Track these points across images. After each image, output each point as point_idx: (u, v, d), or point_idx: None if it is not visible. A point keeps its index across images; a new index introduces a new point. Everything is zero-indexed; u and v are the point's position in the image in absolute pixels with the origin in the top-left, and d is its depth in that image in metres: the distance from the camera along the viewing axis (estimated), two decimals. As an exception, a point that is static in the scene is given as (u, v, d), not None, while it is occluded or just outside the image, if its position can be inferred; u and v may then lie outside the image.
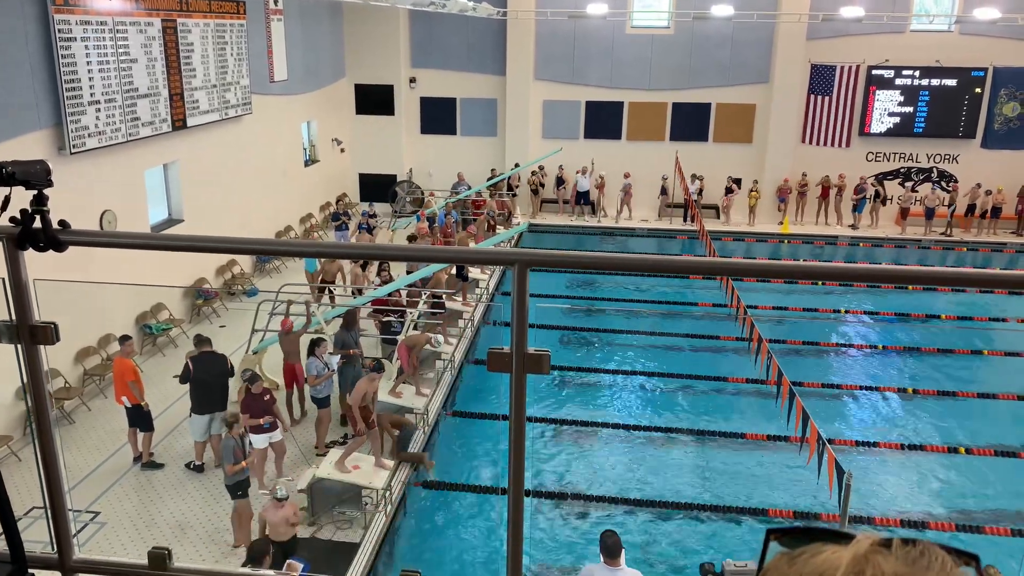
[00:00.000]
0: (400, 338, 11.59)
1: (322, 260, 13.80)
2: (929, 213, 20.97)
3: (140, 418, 9.71)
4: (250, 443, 8.67)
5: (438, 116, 23.04)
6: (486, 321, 14.87)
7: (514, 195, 22.07)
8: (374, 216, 16.69)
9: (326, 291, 14.12)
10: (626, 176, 21.73)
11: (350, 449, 9.04)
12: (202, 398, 9.45)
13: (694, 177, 21.46)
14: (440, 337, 12.06)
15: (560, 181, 22.44)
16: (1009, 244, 20.74)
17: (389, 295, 12.36)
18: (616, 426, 11.51)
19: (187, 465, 9.77)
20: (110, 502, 9.09)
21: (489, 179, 21.67)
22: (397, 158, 23.13)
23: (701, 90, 21.97)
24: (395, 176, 23.04)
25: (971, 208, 21.21)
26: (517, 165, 22.07)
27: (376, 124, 22.93)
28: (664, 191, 21.83)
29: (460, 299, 14.65)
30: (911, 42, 21.10)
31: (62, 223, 1.64)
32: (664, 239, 21.26)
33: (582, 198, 22.25)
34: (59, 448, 1.78)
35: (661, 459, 10.76)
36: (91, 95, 11.42)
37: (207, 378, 9.44)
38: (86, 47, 11.28)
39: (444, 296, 13.68)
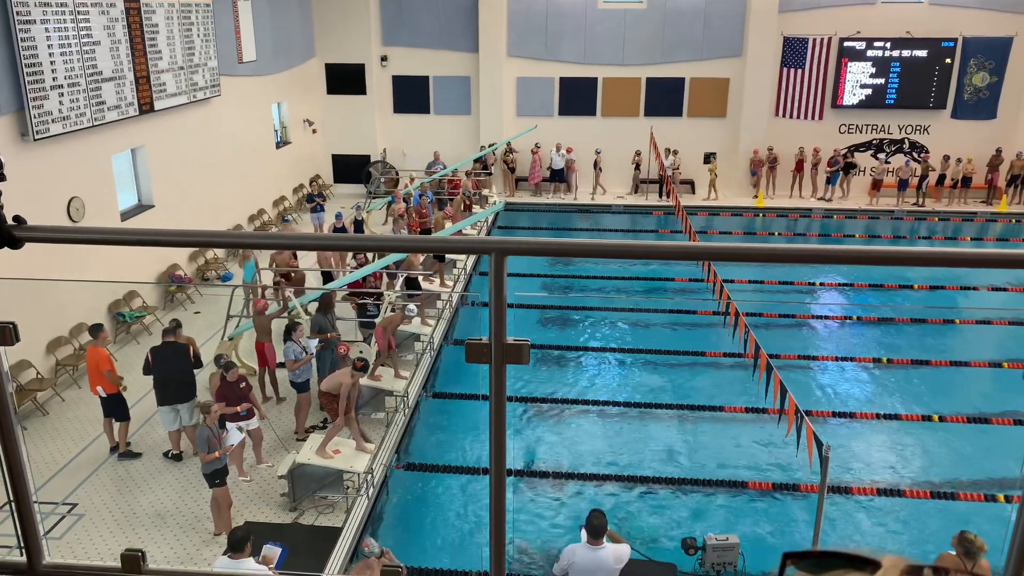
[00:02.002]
0: (376, 321, 11.53)
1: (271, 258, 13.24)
2: (902, 184, 21.18)
3: (116, 407, 9.59)
4: (227, 432, 8.59)
5: (411, 95, 22.79)
6: (464, 302, 14.82)
7: (489, 174, 21.97)
8: (362, 214, 15.88)
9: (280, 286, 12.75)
10: (568, 151, 21.84)
11: (330, 435, 8.99)
12: (163, 389, 9.29)
13: (668, 151, 21.48)
14: (412, 306, 11.90)
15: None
16: (979, 213, 21.02)
17: (364, 278, 12.28)
18: (595, 403, 11.56)
19: (165, 454, 9.68)
20: (87, 493, 8.99)
21: (482, 148, 21.70)
22: (370, 138, 22.89)
23: (675, 65, 21.93)
24: (369, 156, 22.81)
25: (941, 178, 21.47)
26: (492, 144, 21.93)
27: (348, 104, 22.64)
28: (596, 165, 21.89)
29: (437, 280, 14.58)
30: (882, 13, 21.18)
31: (17, 219, 1.57)
32: (639, 215, 21.27)
33: (556, 175, 22.19)
34: (25, 455, 1.71)
35: (641, 435, 10.83)
36: (53, 79, 11.14)
37: (167, 369, 9.26)
38: (46, 30, 10.98)
39: (421, 277, 13.61)
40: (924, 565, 0.76)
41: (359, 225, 15.87)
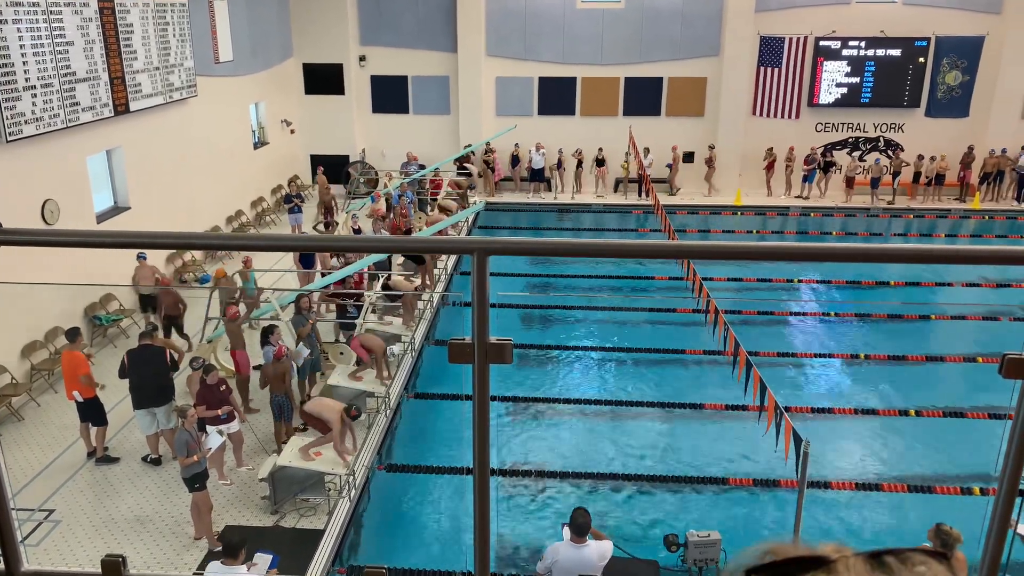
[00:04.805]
0: (356, 333, 11.44)
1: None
2: (875, 183, 21.40)
3: (92, 412, 9.48)
4: (207, 435, 8.51)
5: (390, 95, 22.72)
6: (445, 302, 14.79)
7: (469, 174, 21.94)
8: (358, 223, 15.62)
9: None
10: (539, 148, 22.05)
11: (318, 443, 8.92)
12: (139, 393, 9.20)
13: (645, 151, 21.56)
14: (396, 348, 11.82)
15: (516, 160, 22.33)
16: (953, 210, 21.30)
17: (343, 279, 12.22)
18: (577, 401, 11.59)
19: (144, 458, 9.57)
20: (64, 499, 8.87)
21: (466, 146, 21.71)
22: (349, 138, 22.78)
23: (653, 64, 22.03)
24: (348, 157, 22.71)
25: (916, 176, 21.75)
26: (468, 146, 21.91)
27: (326, 104, 22.52)
28: (560, 164, 22.02)
29: (419, 280, 14.51)
30: (857, 13, 21.41)
31: (-9, 222, 1.55)
32: (620, 214, 21.34)
33: (536, 175, 22.21)
34: (0, 460, 1.69)
35: (622, 433, 10.86)
36: (26, 80, 10.98)
37: (142, 373, 9.17)
38: (18, 30, 10.83)
39: (405, 278, 13.57)
40: (890, 558, 0.77)
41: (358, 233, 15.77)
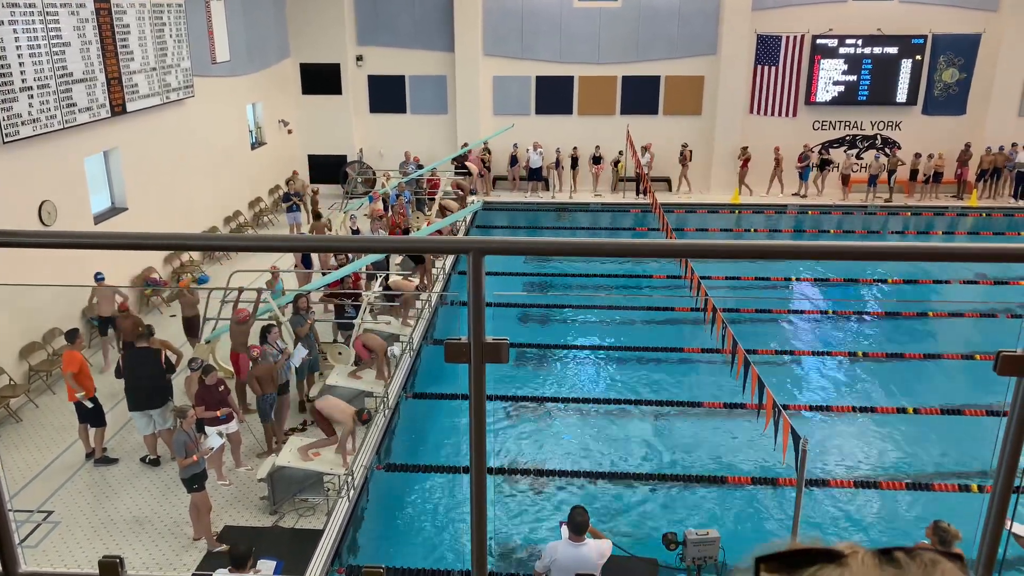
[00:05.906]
0: (355, 333, 11.42)
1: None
2: (872, 180, 21.42)
3: (91, 413, 9.48)
4: (206, 436, 8.51)
5: (387, 94, 22.71)
6: (443, 302, 14.79)
7: (467, 173, 21.93)
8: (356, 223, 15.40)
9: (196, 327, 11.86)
10: (537, 147, 22.00)
11: (319, 444, 8.92)
12: (135, 395, 9.21)
13: (644, 150, 21.57)
14: (396, 348, 11.82)
15: (514, 160, 22.32)
16: (950, 208, 21.32)
17: (342, 279, 12.22)
18: (575, 400, 11.59)
19: (142, 459, 9.57)
20: (63, 500, 8.87)
21: (463, 146, 21.71)
22: (346, 138, 22.77)
23: (650, 63, 22.03)
24: (345, 156, 22.70)
25: (914, 173, 21.76)
26: (466, 145, 21.90)
27: (324, 104, 22.51)
28: (559, 164, 22.14)
29: (417, 280, 14.52)
30: (853, 11, 21.42)
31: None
32: (618, 213, 21.36)
33: (534, 174, 22.21)
34: (-2, 460, 1.69)
35: (620, 431, 10.87)
36: (23, 81, 10.97)
37: (138, 375, 9.18)
38: (15, 31, 10.82)
39: (404, 278, 13.57)
40: (899, 554, 0.77)
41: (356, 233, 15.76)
